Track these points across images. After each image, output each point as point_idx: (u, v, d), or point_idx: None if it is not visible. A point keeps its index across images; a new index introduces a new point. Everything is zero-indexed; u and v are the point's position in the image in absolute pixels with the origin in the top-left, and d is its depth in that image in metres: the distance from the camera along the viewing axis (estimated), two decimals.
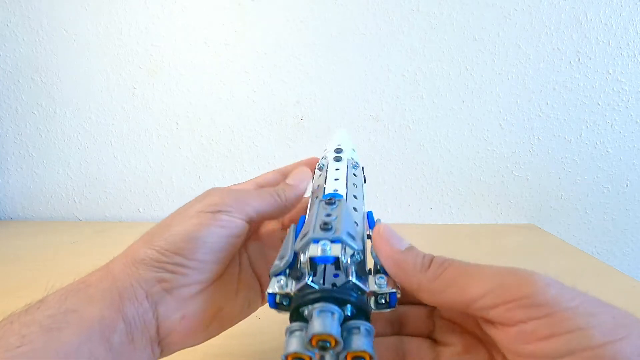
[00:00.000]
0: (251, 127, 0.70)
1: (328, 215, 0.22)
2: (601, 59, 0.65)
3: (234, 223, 0.26)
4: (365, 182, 0.32)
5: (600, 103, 0.67)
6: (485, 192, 0.72)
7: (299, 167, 0.32)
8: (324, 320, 0.18)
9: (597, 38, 0.64)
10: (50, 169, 0.73)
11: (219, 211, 0.25)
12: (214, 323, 0.27)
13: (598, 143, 0.69)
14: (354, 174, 0.32)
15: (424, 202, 0.72)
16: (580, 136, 0.68)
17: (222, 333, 0.37)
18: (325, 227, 0.21)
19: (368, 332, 0.19)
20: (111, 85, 0.69)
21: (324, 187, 0.29)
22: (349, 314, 0.19)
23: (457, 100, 0.68)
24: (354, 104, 0.68)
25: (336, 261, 0.20)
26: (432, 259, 0.21)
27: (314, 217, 0.22)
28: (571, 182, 0.70)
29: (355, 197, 0.28)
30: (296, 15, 0.66)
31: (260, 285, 0.30)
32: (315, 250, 0.19)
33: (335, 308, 0.18)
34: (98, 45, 0.68)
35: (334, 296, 0.19)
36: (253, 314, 0.41)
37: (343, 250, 0.20)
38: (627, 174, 0.69)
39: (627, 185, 0.70)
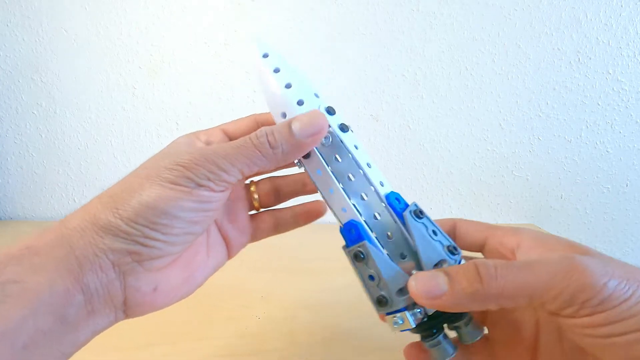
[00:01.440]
0: None
1: (371, 278, 0.24)
2: (601, 59, 0.65)
3: (214, 197, 0.23)
4: (348, 130, 0.26)
5: (600, 103, 0.67)
6: (485, 192, 0.72)
7: (310, 111, 0.24)
8: (439, 352, 0.25)
9: (597, 38, 0.64)
10: (50, 169, 0.73)
11: (199, 185, 0.22)
12: (184, 288, 0.26)
13: (598, 143, 0.69)
14: (336, 158, 0.26)
15: (424, 202, 0.72)
16: (580, 136, 0.68)
17: (223, 334, 0.37)
18: (381, 303, 0.24)
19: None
20: (111, 85, 0.69)
21: (332, 210, 0.26)
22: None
23: (457, 100, 0.68)
24: (354, 104, 0.68)
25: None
26: (479, 280, 0.21)
27: (364, 286, 0.25)
28: (571, 182, 0.70)
29: (363, 197, 0.25)
30: (296, 15, 0.66)
31: (227, 244, 0.29)
32: (394, 326, 0.24)
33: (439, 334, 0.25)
34: (98, 45, 0.68)
35: (432, 330, 0.25)
36: (253, 314, 0.41)
37: (412, 316, 0.24)
38: (627, 174, 0.70)
39: (627, 185, 0.70)
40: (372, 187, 0.25)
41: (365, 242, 0.24)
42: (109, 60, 0.68)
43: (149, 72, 0.69)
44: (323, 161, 0.25)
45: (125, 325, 0.37)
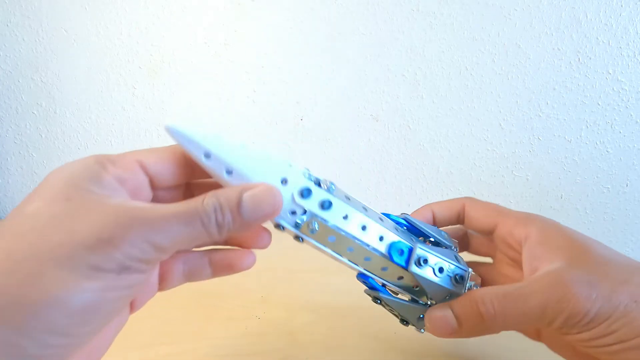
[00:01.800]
0: (251, 127, 0.70)
1: (391, 311, 0.28)
2: (601, 59, 0.65)
3: (141, 279, 0.18)
4: (331, 206, 0.24)
5: (600, 103, 0.67)
6: (485, 192, 0.72)
7: (263, 186, 0.20)
8: None
9: (597, 38, 0.64)
10: (50, 169, 0.73)
11: (125, 268, 0.16)
12: None
13: (598, 143, 0.69)
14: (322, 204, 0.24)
15: (424, 202, 0.71)
16: (580, 136, 0.68)
17: (223, 334, 0.37)
18: (405, 324, 0.28)
19: None
20: (111, 85, 0.69)
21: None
22: None
23: (457, 100, 0.68)
24: (354, 104, 0.68)
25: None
26: (482, 320, 0.23)
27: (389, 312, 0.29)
28: (571, 182, 0.70)
29: (368, 259, 0.26)
30: (296, 15, 0.66)
31: (131, 306, 0.23)
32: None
33: None
34: (98, 45, 0.68)
35: None
36: (253, 314, 0.41)
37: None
38: (627, 174, 0.69)
39: (627, 185, 0.70)
40: (373, 251, 0.25)
41: (378, 292, 0.27)
42: (109, 60, 0.68)
43: (149, 72, 0.69)
44: (318, 244, 0.25)
45: (127, 326, 0.37)
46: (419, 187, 0.72)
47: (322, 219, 0.23)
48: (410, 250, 0.26)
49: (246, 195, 0.19)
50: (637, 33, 0.64)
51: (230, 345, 0.36)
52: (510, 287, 0.23)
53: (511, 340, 0.30)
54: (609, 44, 0.65)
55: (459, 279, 0.26)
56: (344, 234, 0.24)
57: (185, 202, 0.19)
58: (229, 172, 0.21)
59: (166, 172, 0.22)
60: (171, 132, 0.21)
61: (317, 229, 0.23)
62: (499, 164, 0.70)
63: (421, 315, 0.27)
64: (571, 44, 0.65)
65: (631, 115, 0.67)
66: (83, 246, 0.16)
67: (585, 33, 0.64)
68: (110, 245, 0.16)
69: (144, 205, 0.18)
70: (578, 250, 0.24)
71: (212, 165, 0.21)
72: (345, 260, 0.26)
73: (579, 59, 0.66)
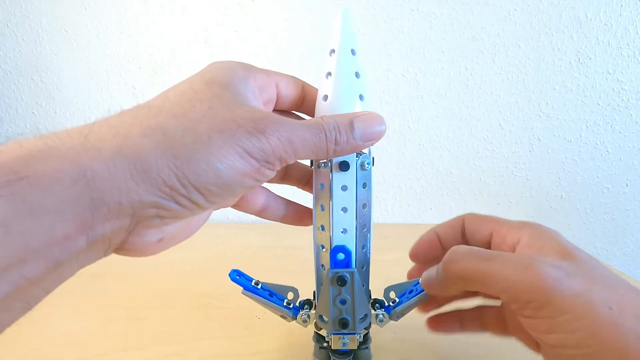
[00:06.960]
0: None
1: (343, 302, 0.27)
2: (601, 59, 0.65)
3: (270, 175, 0.21)
4: (373, 164, 0.27)
5: (600, 103, 0.67)
6: (485, 192, 0.72)
7: (371, 113, 0.23)
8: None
9: (597, 38, 0.64)
10: None
11: (267, 162, 0.19)
12: (184, 236, 0.23)
13: (598, 143, 0.69)
14: (364, 184, 0.26)
15: (424, 202, 0.72)
16: (580, 136, 0.68)
17: (223, 333, 0.38)
18: (343, 324, 0.27)
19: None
20: (111, 85, 0.69)
21: (330, 237, 0.27)
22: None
23: (457, 100, 0.68)
24: None
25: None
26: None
27: (329, 303, 0.27)
28: (571, 182, 0.70)
29: (364, 227, 0.27)
30: (296, 15, 0.66)
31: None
32: (336, 344, 0.28)
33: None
34: (98, 45, 0.68)
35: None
36: (253, 313, 0.41)
37: (358, 336, 0.28)
38: (627, 174, 0.69)
39: (627, 185, 0.70)
40: (331, 228, 0.26)
41: (355, 272, 0.26)
42: (109, 60, 0.68)
43: (149, 72, 0.69)
44: (316, 177, 0.26)
45: (127, 326, 0.37)
46: (419, 187, 0.72)
47: (332, 172, 0.25)
48: (344, 267, 0.26)
49: (358, 119, 0.22)
50: (637, 33, 0.64)
51: (230, 345, 0.36)
52: (487, 253, 0.23)
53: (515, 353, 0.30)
54: (609, 44, 0.65)
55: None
56: (329, 194, 0.26)
57: (308, 119, 0.22)
58: (328, 74, 0.25)
59: (289, 95, 0.26)
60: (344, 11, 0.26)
61: (320, 169, 0.25)
62: (499, 164, 0.70)
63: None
64: (571, 44, 0.65)
65: (631, 115, 0.67)
66: (243, 130, 0.18)
67: (585, 33, 0.64)
68: (263, 136, 0.19)
69: (281, 115, 0.21)
70: (567, 253, 0.22)
71: (337, 57, 0.25)
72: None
73: (579, 59, 0.66)
